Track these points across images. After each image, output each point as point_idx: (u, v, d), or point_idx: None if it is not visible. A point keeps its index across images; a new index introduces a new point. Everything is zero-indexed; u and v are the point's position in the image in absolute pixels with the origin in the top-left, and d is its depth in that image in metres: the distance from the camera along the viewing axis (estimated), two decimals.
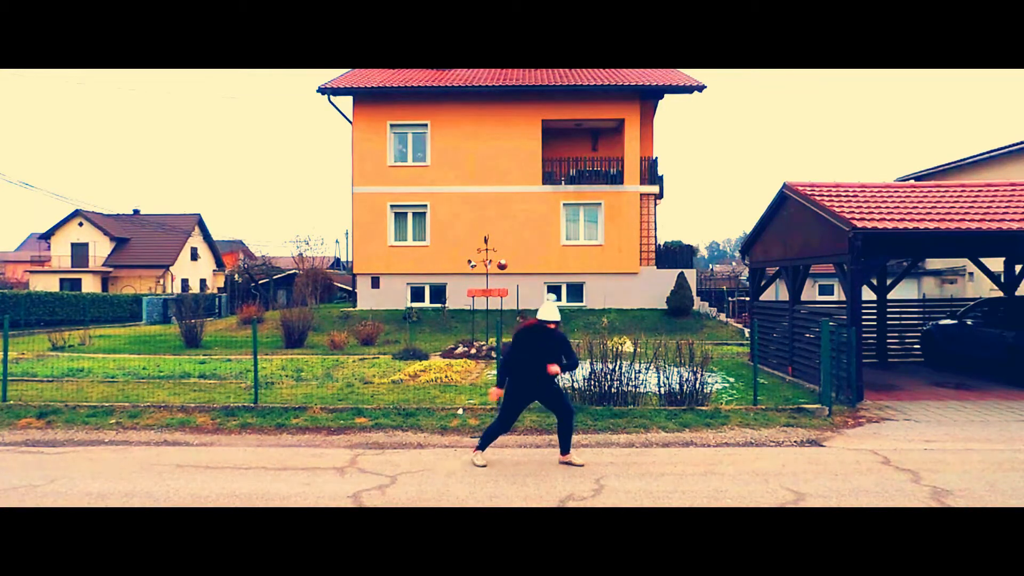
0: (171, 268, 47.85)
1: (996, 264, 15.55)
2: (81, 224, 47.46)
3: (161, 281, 47.01)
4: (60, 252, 47.35)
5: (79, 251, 47.10)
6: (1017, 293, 14.82)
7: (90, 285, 45.10)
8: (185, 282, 49.26)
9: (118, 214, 51.37)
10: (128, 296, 38.53)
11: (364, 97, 25.87)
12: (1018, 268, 14.83)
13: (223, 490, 6.42)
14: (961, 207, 11.37)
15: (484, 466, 7.19)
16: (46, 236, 48.21)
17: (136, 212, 52.87)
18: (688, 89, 25.59)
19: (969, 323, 13.70)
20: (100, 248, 47.26)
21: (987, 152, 24.71)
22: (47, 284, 43.49)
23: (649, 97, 26.87)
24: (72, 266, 46.59)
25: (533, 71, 26.76)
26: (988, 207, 11.37)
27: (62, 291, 38.24)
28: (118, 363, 15.29)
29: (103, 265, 46.68)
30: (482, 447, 7.39)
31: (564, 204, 25.87)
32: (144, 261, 47.45)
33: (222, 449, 8.15)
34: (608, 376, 9.99)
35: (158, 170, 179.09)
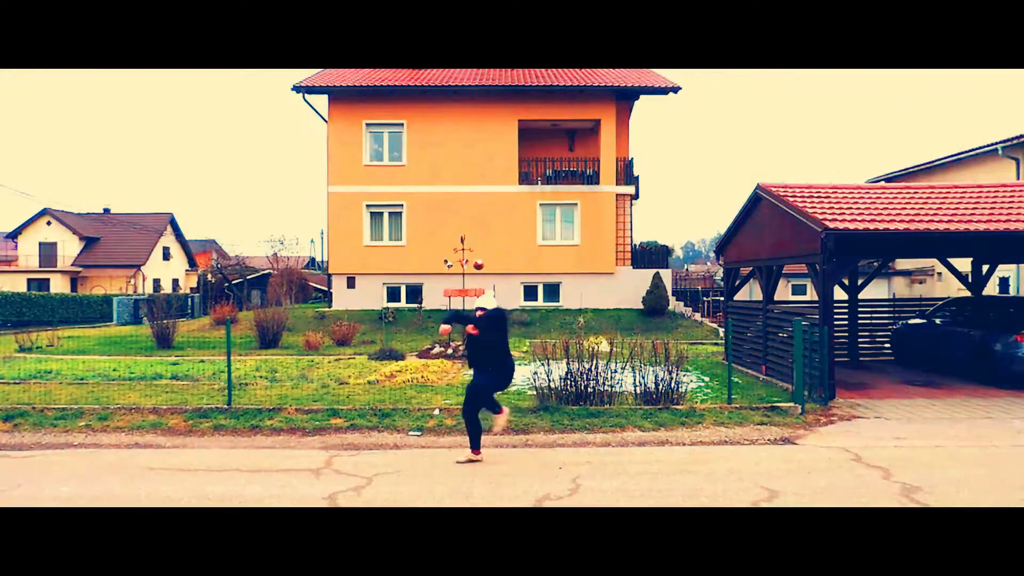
0: (142, 268, 47.15)
1: (964, 264, 15.87)
2: (49, 223, 46.58)
3: (132, 281, 46.29)
4: (27, 252, 46.42)
5: (47, 251, 46.21)
6: (984, 293, 15.13)
7: (59, 285, 44.28)
8: (157, 282, 48.56)
9: (88, 213, 50.51)
10: (98, 296, 37.88)
11: (340, 96, 25.69)
12: (985, 268, 15.14)
13: (196, 492, 6.34)
14: (930, 209, 11.58)
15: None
16: (13, 235, 47.23)
17: (106, 211, 52.03)
18: (663, 90, 25.76)
19: (938, 322, 13.95)
20: (69, 248, 46.41)
21: (955, 154, 25.19)
22: (14, 284, 42.60)
23: (625, 98, 27.00)
24: (40, 266, 45.71)
25: (509, 71, 26.75)
26: (956, 209, 11.59)
27: (29, 291, 37.53)
28: (88, 365, 15.02)
29: (72, 265, 45.85)
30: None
31: (541, 204, 25.91)
32: (115, 261, 46.69)
33: (195, 451, 8.05)
34: (584, 376, 10.01)
35: (129, 169, 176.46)
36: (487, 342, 7.35)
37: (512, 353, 7.78)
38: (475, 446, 7.40)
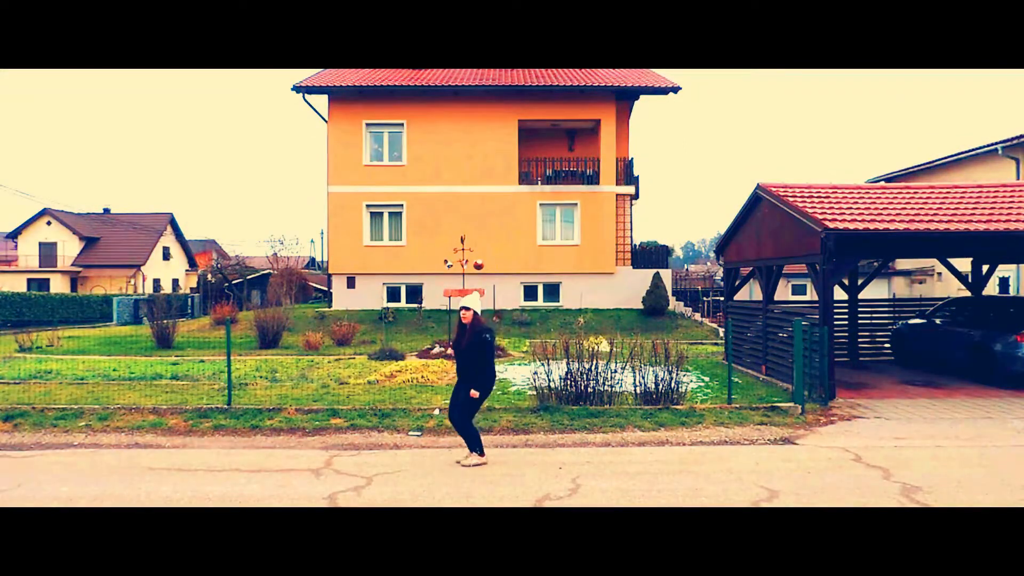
0: (142, 268, 47.13)
1: (964, 264, 15.86)
2: (49, 223, 46.56)
3: (132, 281, 46.27)
4: (27, 252, 46.40)
5: (47, 251, 46.19)
6: (984, 293, 15.13)
7: (59, 285, 44.27)
8: (157, 282, 48.55)
9: (88, 213, 50.52)
10: (98, 296, 37.87)
11: (340, 96, 25.68)
12: (985, 268, 15.13)
13: (196, 493, 6.34)
14: (930, 209, 11.58)
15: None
16: (13, 235, 47.22)
17: (106, 211, 52.01)
18: (663, 90, 25.75)
19: (938, 322, 13.95)
20: (69, 248, 46.39)
21: (955, 154, 25.19)
22: (14, 284, 42.57)
23: (625, 98, 26.99)
24: (40, 266, 45.69)
25: (509, 71, 26.74)
26: (956, 209, 11.59)
27: (29, 291, 37.53)
28: (88, 365, 15.02)
29: (72, 265, 45.83)
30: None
31: (541, 204, 25.90)
32: (115, 261, 46.66)
33: (195, 451, 8.04)
34: (584, 376, 10.01)
35: (129, 169, 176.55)
36: (471, 357, 7.28)
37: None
38: (478, 450, 7.36)
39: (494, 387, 7.78)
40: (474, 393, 7.19)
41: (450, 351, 16.55)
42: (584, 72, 26.91)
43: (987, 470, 7.04)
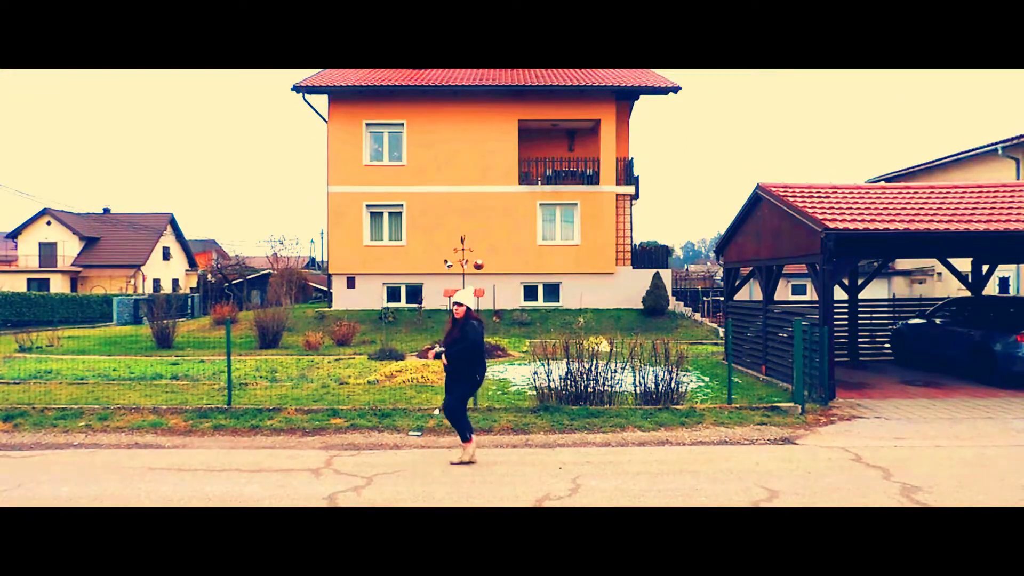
0: (142, 268, 47.13)
1: (964, 264, 15.86)
2: (49, 223, 46.57)
3: (132, 281, 46.28)
4: (27, 252, 46.41)
5: (47, 251, 46.19)
6: (984, 293, 15.13)
7: (59, 285, 44.27)
8: (157, 282, 48.54)
9: (88, 213, 50.53)
10: (98, 296, 37.87)
11: (339, 96, 25.69)
12: (985, 268, 15.13)
13: (195, 492, 6.34)
14: (930, 209, 11.58)
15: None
16: (13, 235, 47.23)
17: (106, 211, 52.01)
18: (663, 91, 25.75)
19: (938, 322, 13.95)
20: (69, 248, 46.40)
21: (955, 154, 25.19)
22: (14, 284, 42.57)
23: (625, 98, 26.99)
24: (40, 266, 45.70)
25: (509, 71, 26.73)
26: (956, 209, 11.59)
27: (29, 291, 37.55)
28: (88, 364, 15.02)
29: (72, 265, 45.83)
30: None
31: (541, 204, 25.90)
32: (115, 261, 46.67)
33: (195, 451, 8.05)
34: (584, 376, 10.01)
35: (129, 169, 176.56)
36: (463, 357, 7.38)
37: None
38: (466, 436, 7.36)
39: (485, 376, 7.87)
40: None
41: None
42: (584, 72, 26.90)
43: (987, 470, 7.04)
